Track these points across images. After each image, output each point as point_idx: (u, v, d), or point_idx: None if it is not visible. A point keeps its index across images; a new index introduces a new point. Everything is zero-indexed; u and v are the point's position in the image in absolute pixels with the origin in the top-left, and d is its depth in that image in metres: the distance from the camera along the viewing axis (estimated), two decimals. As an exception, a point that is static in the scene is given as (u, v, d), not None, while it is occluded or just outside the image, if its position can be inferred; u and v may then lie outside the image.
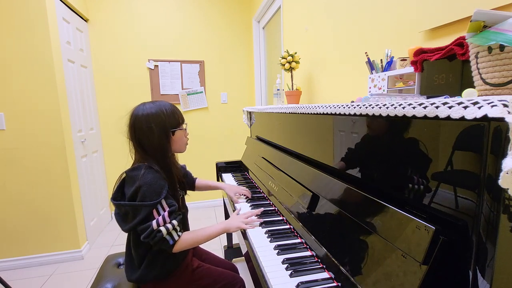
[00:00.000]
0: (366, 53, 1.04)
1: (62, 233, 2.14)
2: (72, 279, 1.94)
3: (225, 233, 2.11)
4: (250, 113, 2.10)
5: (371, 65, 1.01)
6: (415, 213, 0.54)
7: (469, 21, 0.47)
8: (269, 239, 0.93)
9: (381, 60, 0.97)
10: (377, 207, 0.62)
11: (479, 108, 0.39)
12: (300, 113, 1.03)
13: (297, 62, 1.68)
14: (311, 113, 0.95)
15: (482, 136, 0.41)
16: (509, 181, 0.35)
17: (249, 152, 1.87)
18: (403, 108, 0.52)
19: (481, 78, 0.47)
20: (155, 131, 0.96)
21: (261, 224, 1.04)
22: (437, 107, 0.45)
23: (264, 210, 1.16)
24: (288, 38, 2.16)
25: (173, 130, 1.01)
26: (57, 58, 2.03)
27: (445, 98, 0.47)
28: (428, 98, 0.54)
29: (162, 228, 0.90)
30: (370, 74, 1.00)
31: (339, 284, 0.68)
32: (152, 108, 0.98)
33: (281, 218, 1.09)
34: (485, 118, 0.38)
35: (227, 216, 2.04)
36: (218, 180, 1.89)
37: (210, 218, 2.93)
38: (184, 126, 1.06)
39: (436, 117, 0.46)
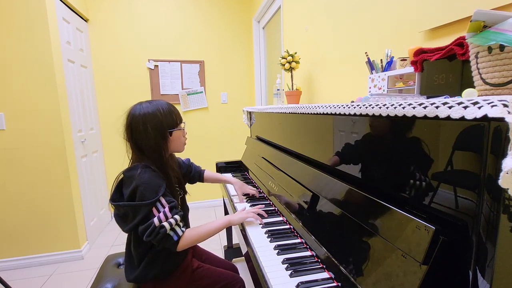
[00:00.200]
0: (366, 53, 1.04)
1: (62, 233, 2.14)
2: (72, 279, 1.94)
3: (225, 234, 2.11)
4: (250, 113, 2.10)
5: (371, 65, 1.01)
6: (415, 213, 0.54)
7: (469, 21, 0.47)
8: (269, 239, 0.93)
9: (381, 60, 0.97)
10: (377, 207, 0.62)
11: (479, 108, 0.39)
12: (300, 113, 1.03)
13: (297, 62, 1.68)
14: (311, 113, 0.95)
15: (482, 136, 0.41)
16: (509, 181, 0.35)
17: (249, 152, 1.87)
18: (403, 108, 0.52)
19: (481, 78, 0.47)
20: (151, 131, 0.94)
21: (261, 224, 1.04)
22: (437, 107, 0.45)
23: (264, 210, 1.16)
24: (288, 38, 2.16)
25: (170, 130, 0.99)
26: (57, 58, 2.03)
27: (445, 98, 0.47)
28: (428, 98, 0.54)
29: (165, 224, 0.88)
30: (370, 74, 1.00)
31: (339, 284, 0.68)
32: (148, 108, 0.96)
33: (281, 218, 1.09)
34: (485, 118, 0.38)
35: (226, 213, 2.04)
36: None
37: (210, 218, 2.93)
38: (182, 125, 1.05)
39: (436, 117, 0.46)
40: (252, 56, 3.14)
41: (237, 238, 2.00)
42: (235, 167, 1.99)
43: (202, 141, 3.13)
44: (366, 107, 0.63)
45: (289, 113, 1.19)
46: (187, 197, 1.17)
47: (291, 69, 1.70)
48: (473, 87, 0.50)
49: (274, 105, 1.78)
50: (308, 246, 0.86)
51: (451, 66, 0.64)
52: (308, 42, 1.81)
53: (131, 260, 1.00)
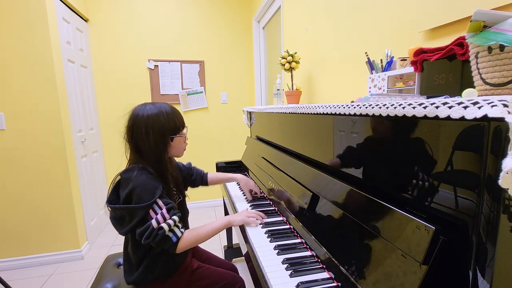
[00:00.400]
0: (366, 53, 1.04)
1: (62, 233, 2.14)
2: (72, 279, 1.94)
3: (225, 234, 2.11)
4: (250, 113, 2.10)
5: (371, 65, 1.01)
6: (415, 213, 0.54)
7: (469, 21, 0.47)
8: (269, 239, 0.93)
9: (381, 60, 0.97)
10: (377, 207, 0.62)
11: (479, 108, 0.39)
12: (300, 113, 1.03)
13: (297, 62, 1.68)
14: (311, 113, 0.95)
15: (482, 136, 0.41)
16: (509, 181, 0.35)
17: (249, 152, 1.87)
18: (403, 108, 0.52)
19: (481, 78, 0.47)
20: (153, 136, 0.93)
21: (261, 224, 1.04)
22: (437, 107, 0.45)
23: (264, 210, 1.16)
24: (288, 38, 2.16)
25: (172, 136, 0.98)
26: (57, 58, 2.03)
27: (445, 98, 0.47)
28: (428, 98, 0.54)
29: (164, 225, 0.87)
30: (370, 74, 1.00)
31: (339, 284, 0.68)
32: (152, 111, 0.95)
33: (281, 218, 1.09)
34: (485, 118, 0.38)
35: (226, 213, 2.04)
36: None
37: (210, 218, 2.93)
38: (184, 131, 1.03)
39: (436, 117, 0.46)
40: (252, 56, 3.14)
41: (237, 238, 2.00)
42: (235, 167, 1.99)
43: (202, 141, 3.13)
44: (366, 107, 0.63)
45: (289, 113, 1.19)
46: (186, 199, 1.17)
47: (291, 69, 1.70)
48: (473, 87, 0.50)
49: (274, 105, 1.78)
50: (308, 246, 0.86)
51: (451, 66, 0.64)
52: (308, 42, 1.81)
53: (130, 262, 0.99)
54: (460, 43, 0.60)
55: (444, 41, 0.86)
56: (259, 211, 1.16)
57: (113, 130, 2.86)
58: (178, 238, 0.90)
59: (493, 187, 0.40)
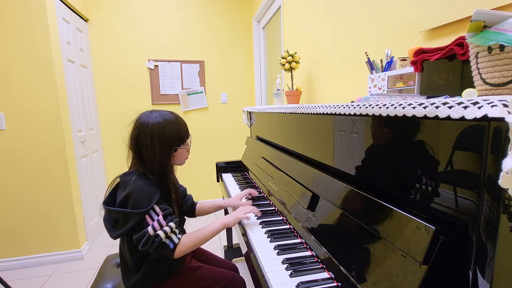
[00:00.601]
0: (366, 53, 1.04)
1: (62, 233, 2.14)
2: (72, 279, 1.94)
3: (225, 234, 2.11)
4: (250, 113, 2.10)
5: (371, 65, 1.01)
6: (415, 213, 0.54)
7: (469, 21, 0.47)
8: (269, 239, 0.93)
9: (381, 60, 0.97)
10: (377, 207, 0.62)
11: (479, 108, 0.39)
12: (300, 113, 1.03)
13: (297, 62, 1.68)
14: (311, 113, 0.95)
15: (482, 136, 0.41)
16: (509, 181, 0.35)
17: (249, 152, 1.87)
18: (403, 108, 0.52)
19: (481, 78, 0.47)
20: (158, 147, 0.93)
21: (261, 224, 1.04)
22: (437, 107, 0.45)
23: (264, 210, 1.16)
24: (288, 38, 2.16)
25: (176, 147, 0.99)
26: (57, 58, 2.03)
27: (445, 98, 0.47)
28: (428, 98, 0.54)
29: (160, 232, 0.87)
30: (370, 74, 1.00)
31: (339, 284, 0.68)
32: (158, 121, 0.94)
33: (281, 218, 1.09)
34: (485, 118, 0.38)
35: (226, 212, 2.04)
36: (218, 180, 1.89)
37: (210, 219, 2.93)
38: (188, 141, 1.04)
39: (436, 117, 0.46)
40: (252, 56, 3.14)
41: (237, 238, 2.00)
42: (235, 167, 1.99)
43: (202, 141, 3.13)
44: (366, 107, 0.63)
45: (289, 113, 1.19)
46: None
47: (291, 69, 1.70)
48: (473, 87, 0.50)
49: (274, 105, 1.78)
50: (308, 246, 0.86)
51: (451, 66, 0.64)
52: (308, 42, 1.81)
53: (127, 266, 0.98)
54: (460, 43, 0.60)
55: (444, 41, 0.86)
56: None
57: (113, 130, 2.87)
58: (175, 245, 0.90)
59: (493, 187, 0.40)
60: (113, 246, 2.39)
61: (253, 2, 2.99)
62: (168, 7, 2.89)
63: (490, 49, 0.45)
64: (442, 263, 0.47)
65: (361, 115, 0.67)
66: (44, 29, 1.93)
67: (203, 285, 1.04)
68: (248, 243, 0.94)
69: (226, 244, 2.09)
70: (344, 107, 0.73)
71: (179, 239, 0.92)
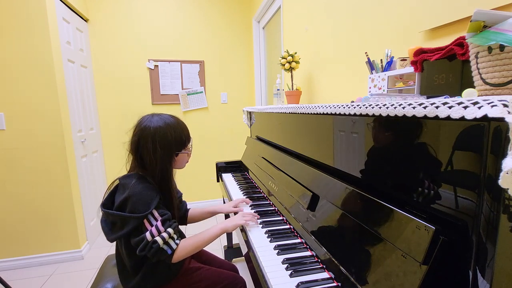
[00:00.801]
0: (366, 53, 1.04)
1: (62, 233, 2.14)
2: (72, 279, 1.94)
3: (225, 234, 2.11)
4: (250, 113, 2.10)
5: (371, 65, 1.01)
6: (415, 213, 0.54)
7: (469, 21, 0.47)
8: (269, 239, 0.93)
9: (381, 60, 0.97)
10: (377, 207, 0.62)
11: (479, 108, 0.39)
12: (300, 113, 1.03)
13: (297, 62, 1.68)
14: (311, 113, 0.95)
15: (482, 136, 0.41)
16: (509, 181, 0.35)
17: (249, 152, 1.87)
18: (403, 108, 0.52)
19: (481, 78, 0.47)
20: (159, 152, 0.93)
21: (261, 224, 1.04)
22: (437, 107, 0.45)
23: (264, 210, 1.16)
24: (288, 38, 2.16)
25: (177, 152, 0.99)
26: (57, 58, 2.03)
27: (445, 98, 0.47)
28: (428, 98, 0.54)
29: (158, 238, 0.86)
30: (370, 74, 1.00)
31: (339, 284, 0.68)
32: (160, 125, 0.94)
33: (281, 218, 1.09)
34: (485, 118, 0.38)
35: (227, 217, 2.04)
36: (218, 180, 1.89)
37: (210, 219, 2.92)
38: (189, 146, 1.04)
39: (436, 117, 0.46)
40: (252, 56, 3.14)
41: (237, 238, 2.00)
42: (235, 167, 1.99)
43: (202, 141, 3.13)
44: (366, 107, 0.63)
45: (289, 113, 1.19)
46: (184, 197, 1.15)
47: (291, 69, 1.70)
48: (473, 87, 0.50)
49: (274, 105, 1.78)
50: (308, 246, 0.86)
51: (451, 66, 0.64)
52: (308, 42, 1.81)
53: (125, 268, 0.98)
54: (460, 43, 0.60)
55: (444, 41, 0.86)
56: (259, 211, 1.16)
57: (113, 130, 2.86)
58: (173, 250, 0.89)
59: (493, 187, 0.40)
60: (113, 246, 2.38)
61: (253, 2, 2.99)
62: (168, 7, 2.89)
63: (490, 49, 0.45)
64: (442, 263, 0.47)
65: (361, 115, 0.67)
66: (44, 29, 1.93)
67: (203, 286, 1.04)
68: (248, 243, 0.94)
69: (226, 244, 2.09)
70: (344, 107, 0.73)
71: (177, 244, 0.91)
